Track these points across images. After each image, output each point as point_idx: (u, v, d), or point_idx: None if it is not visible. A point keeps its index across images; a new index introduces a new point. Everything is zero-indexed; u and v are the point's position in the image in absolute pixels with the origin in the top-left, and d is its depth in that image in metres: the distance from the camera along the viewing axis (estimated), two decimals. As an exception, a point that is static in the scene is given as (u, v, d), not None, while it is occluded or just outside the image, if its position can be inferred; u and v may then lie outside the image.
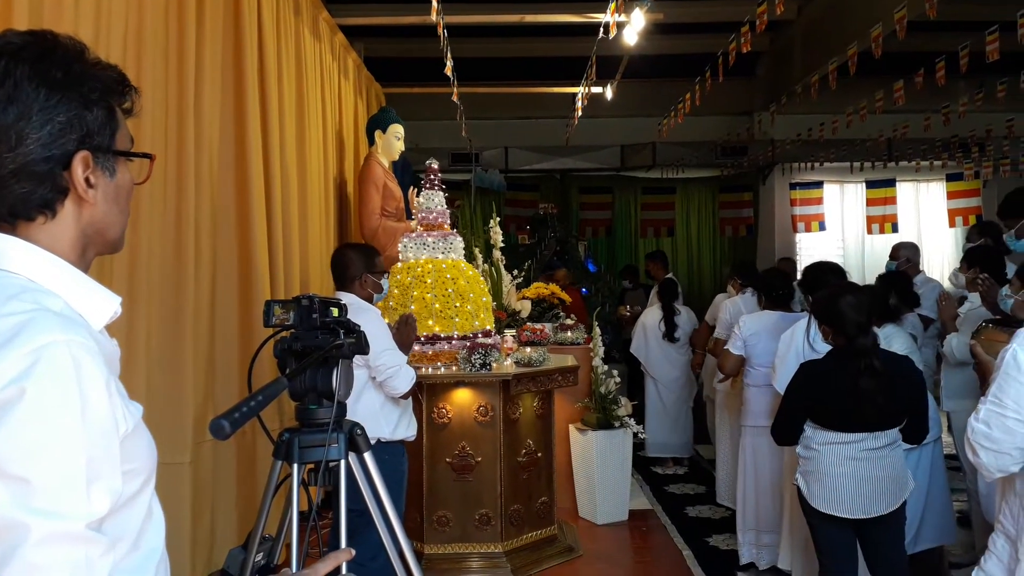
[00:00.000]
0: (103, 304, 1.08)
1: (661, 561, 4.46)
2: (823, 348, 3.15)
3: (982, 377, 2.27)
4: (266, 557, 1.69)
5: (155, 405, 3.01)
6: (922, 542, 4.05)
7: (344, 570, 1.38)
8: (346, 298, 3.12)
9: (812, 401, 2.97)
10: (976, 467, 2.08)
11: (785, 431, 3.08)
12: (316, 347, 1.75)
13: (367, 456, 1.88)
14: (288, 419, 3.87)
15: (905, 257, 5.35)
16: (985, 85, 6.62)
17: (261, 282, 3.93)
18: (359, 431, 1.85)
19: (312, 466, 1.81)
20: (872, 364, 2.83)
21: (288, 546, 1.86)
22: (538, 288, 6.15)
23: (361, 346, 1.82)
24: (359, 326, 1.86)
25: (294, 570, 1.63)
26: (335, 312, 1.80)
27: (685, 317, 6.51)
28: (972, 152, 9.40)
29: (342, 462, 1.78)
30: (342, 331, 1.78)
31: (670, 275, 7.32)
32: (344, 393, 1.80)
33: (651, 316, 6.57)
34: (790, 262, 8.18)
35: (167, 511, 1.15)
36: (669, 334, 6.38)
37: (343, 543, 1.75)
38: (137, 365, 2.98)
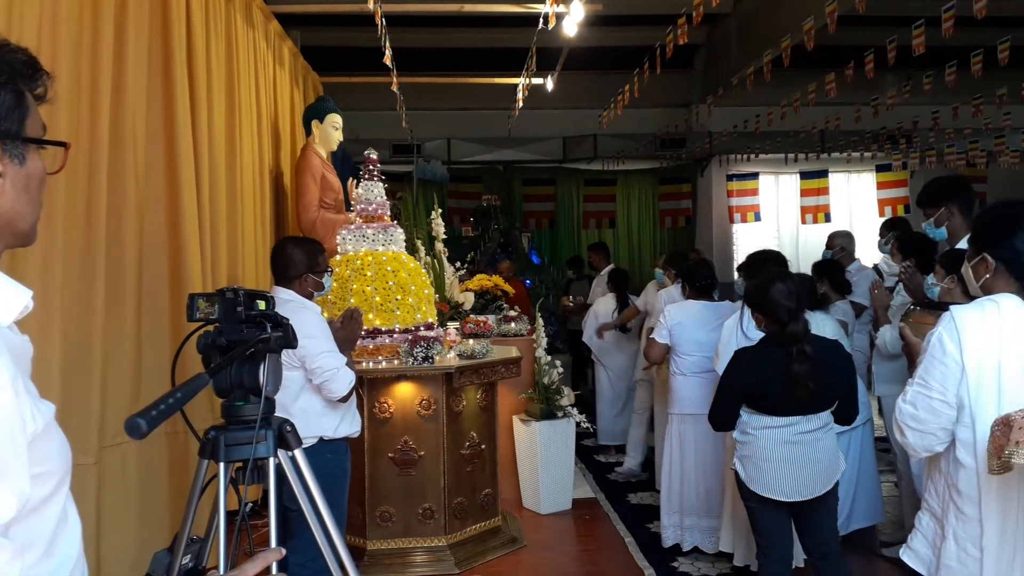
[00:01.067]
0: (13, 298, 1.02)
1: (604, 548, 4.50)
2: (756, 335, 3.21)
3: (910, 359, 2.34)
4: (194, 559, 1.64)
5: (65, 404, 2.89)
6: (854, 522, 4.19)
7: (275, 570, 1.34)
8: (284, 294, 3.03)
9: (747, 387, 3.02)
10: (903, 447, 2.13)
11: (722, 417, 3.13)
12: (241, 341, 1.68)
13: (298, 453, 1.82)
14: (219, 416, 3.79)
15: (840, 246, 5.48)
16: (912, 78, 6.84)
17: (192, 277, 3.82)
18: (288, 427, 1.80)
19: (241, 464, 1.75)
20: (803, 349, 2.89)
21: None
22: (481, 280, 6.13)
23: (288, 340, 1.77)
24: (287, 319, 1.80)
25: (222, 571, 1.58)
26: (261, 305, 1.74)
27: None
28: (900, 144, 9.73)
29: (271, 460, 1.73)
30: (268, 324, 1.72)
31: (612, 265, 7.38)
32: (272, 389, 1.74)
33: (603, 305, 6.58)
34: (699, 252, 8.42)
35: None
36: (622, 325, 6.42)
37: (273, 543, 1.70)
38: (51, 363, 2.85)
